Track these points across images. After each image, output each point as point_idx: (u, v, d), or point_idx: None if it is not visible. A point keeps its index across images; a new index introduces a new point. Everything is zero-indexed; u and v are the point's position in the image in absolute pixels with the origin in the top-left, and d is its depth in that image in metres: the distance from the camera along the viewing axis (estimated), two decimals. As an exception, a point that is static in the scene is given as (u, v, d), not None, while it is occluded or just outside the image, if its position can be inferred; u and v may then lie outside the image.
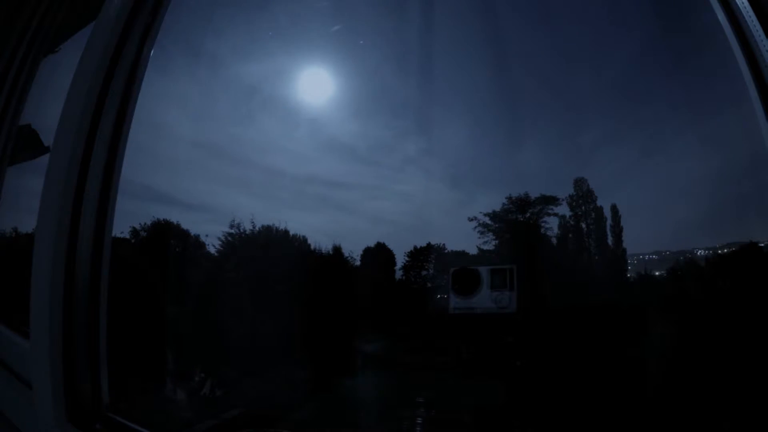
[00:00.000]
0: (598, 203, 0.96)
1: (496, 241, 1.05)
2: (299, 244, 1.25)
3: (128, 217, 1.20)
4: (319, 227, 1.19)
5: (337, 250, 1.22)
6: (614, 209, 0.95)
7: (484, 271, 0.92)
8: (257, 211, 1.19)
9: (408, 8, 1.12)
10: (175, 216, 1.23)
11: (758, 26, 0.58)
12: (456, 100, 1.12)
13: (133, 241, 1.26)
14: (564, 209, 0.99)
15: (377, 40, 1.14)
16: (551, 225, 1.01)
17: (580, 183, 0.97)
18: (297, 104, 1.21)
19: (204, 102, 1.29)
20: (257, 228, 1.27)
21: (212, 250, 1.29)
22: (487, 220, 1.05)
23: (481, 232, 1.05)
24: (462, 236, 1.06)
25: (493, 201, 1.02)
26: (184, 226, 1.30)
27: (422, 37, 1.10)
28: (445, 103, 1.10)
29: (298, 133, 1.21)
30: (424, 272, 1.13)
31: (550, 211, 1.01)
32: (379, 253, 1.18)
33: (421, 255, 1.13)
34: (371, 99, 1.16)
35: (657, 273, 0.93)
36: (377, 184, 1.16)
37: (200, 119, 1.27)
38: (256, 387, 1.21)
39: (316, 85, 1.19)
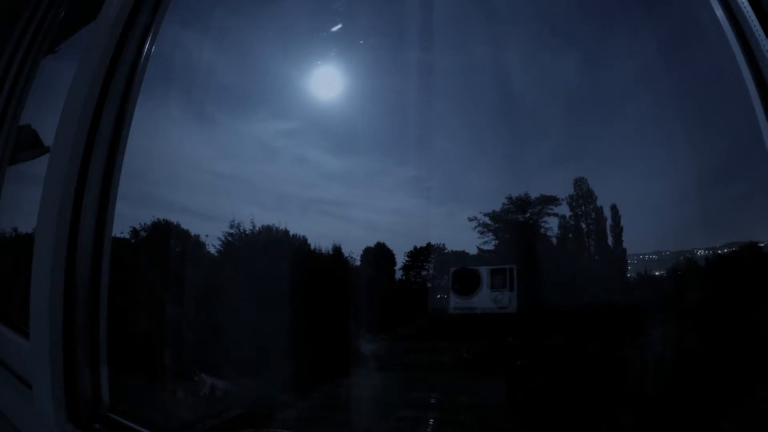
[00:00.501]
0: (598, 203, 0.96)
1: (496, 241, 1.05)
2: (299, 244, 1.25)
3: (130, 221, 1.23)
4: (321, 232, 1.22)
5: (336, 250, 1.22)
6: (614, 209, 0.95)
7: (484, 271, 0.92)
8: (266, 221, 1.26)
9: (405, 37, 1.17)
10: (193, 229, 1.30)
11: (758, 26, 0.58)
12: (447, 111, 1.16)
13: (133, 241, 1.26)
14: (564, 209, 0.99)
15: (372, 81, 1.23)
16: (551, 225, 1.01)
17: (580, 183, 0.97)
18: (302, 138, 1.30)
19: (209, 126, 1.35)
20: (257, 228, 1.27)
21: (212, 250, 1.29)
22: (487, 220, 1.05)
23: (481, 232, 1.05)
24: (462, 236, 1.06)
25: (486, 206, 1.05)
26: (188, 228, 1.31)
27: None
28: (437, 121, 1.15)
29: (305, 163, 1.30)
30: (424, 272, 1.13)
31: (550, 211, 1.01)
32: (379, 254, 1.18)
33: (420, 255, 1.13)
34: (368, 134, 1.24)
35: (657, 273, 0.93)
36: (374, 204, 1.23)
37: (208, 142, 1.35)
38: (256, 387, 1.21)
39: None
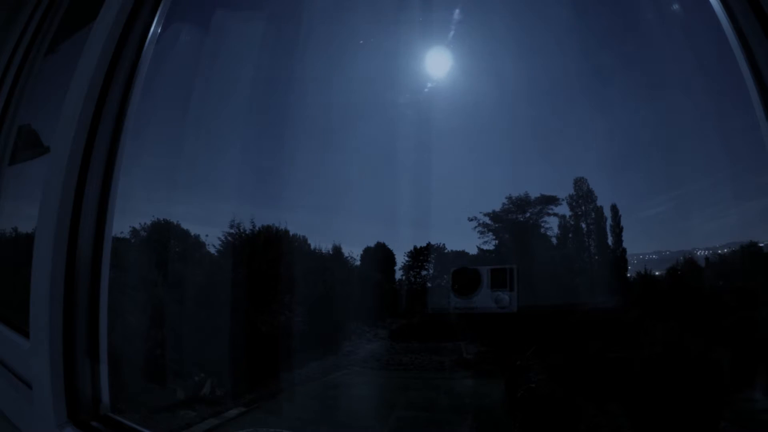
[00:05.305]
0: (598, 203, 0.96)
1: (496, 241, 1.06)
2: (299, 243, 1.26)
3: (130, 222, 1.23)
4: (321, 233, 1.23)
5: (336, 250, 1.22)
6: (614, 209, 0.95)
7: (484, 271, 0.92)
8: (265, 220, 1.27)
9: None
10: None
11: (758, 26, 0.58)
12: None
13: (133, 241, 1.26)
14: (564, 209, 0.99)
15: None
16: (551, 225, 1.01)
17: (580, 183, 0.97)
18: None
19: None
20: (257, 228, 1.27)
21: (212, 250, 1.29)
22: (487, 220, 1.05)
23: (481, 232, 1.05)
24: (462, 236, 1.06)
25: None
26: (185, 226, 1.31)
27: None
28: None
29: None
30: (424, 272, 1.13)
31: (550, 211, 1.01)
32: (379, 253, 1.18)
33: (420, 255, 1.13)
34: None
35: (657, 273, 0.93)
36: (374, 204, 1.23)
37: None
38: (254, 388, 1.21)
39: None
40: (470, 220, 1.05)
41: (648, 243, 0.94)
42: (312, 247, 1.25)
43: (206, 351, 1.26)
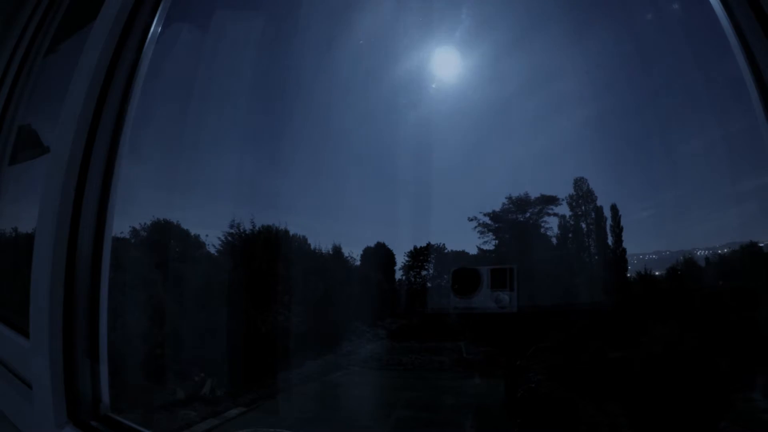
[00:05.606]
0: (598, 203, 0.96)
1: (496, 241, 1.06)
2: (299, 244, 1.26)
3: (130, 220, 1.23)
4: (320, 234, 1.23)
5: (336, 250, 1.22)
6: (614, 209, 0.95)
7: (484, 271, 0.92)
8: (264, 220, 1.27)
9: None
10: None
11: (758, 26, 0.58)
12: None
13: (133, 241, 1.26)
14: (564, 209, 0.99)
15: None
16: (551, 225, 1.01)
17: (580, 183, 0.97)
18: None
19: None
20: (257, 228, 1.27)
21: (212, 250, 1.29)
22: (487, 220, 1.05)
23: (481, 232, 1.05)
24: (462, 236, 1.06)
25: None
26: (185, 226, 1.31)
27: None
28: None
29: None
30: (424, 272, 1.13)
31: (550, 211, 1.01)
32: (379, 254, 1.18)
33: (420, 255, 1.13)
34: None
35: (657, 273, 0.93)
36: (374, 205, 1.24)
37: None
38: (254, 388, 1.21)
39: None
40: (470, 220, 1.05)
41: (648, 243, 0.94)
42: (312, 247, 1.25)
43: (206, 351, 1.26)
